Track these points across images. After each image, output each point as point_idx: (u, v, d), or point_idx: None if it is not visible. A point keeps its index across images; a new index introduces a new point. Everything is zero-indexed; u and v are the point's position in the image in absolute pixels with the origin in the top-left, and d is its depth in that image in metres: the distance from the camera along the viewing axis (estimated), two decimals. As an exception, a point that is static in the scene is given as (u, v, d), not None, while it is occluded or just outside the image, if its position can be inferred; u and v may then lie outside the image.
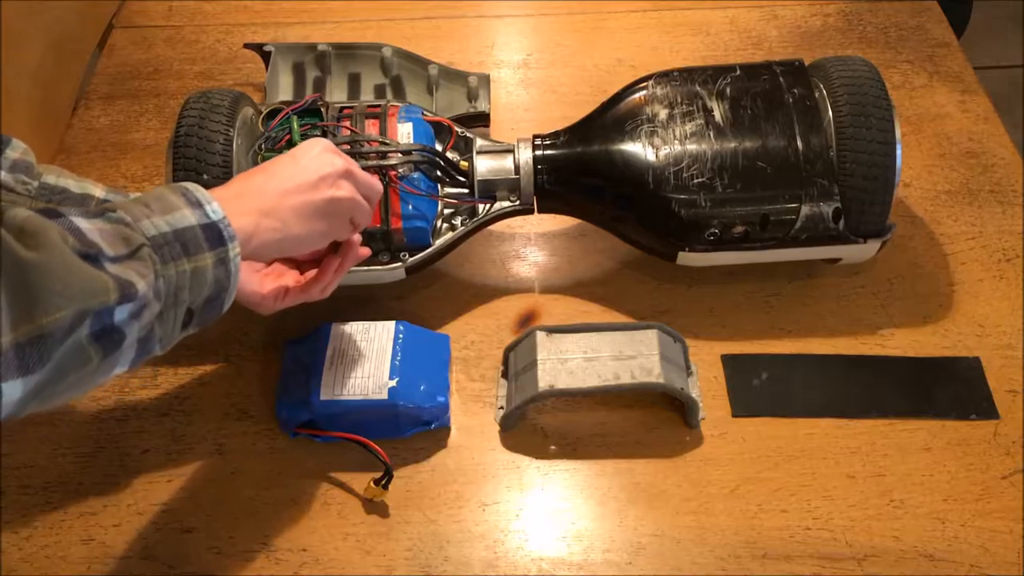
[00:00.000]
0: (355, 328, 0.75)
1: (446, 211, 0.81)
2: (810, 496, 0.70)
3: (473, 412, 0.76)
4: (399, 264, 0.77)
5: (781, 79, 0.77)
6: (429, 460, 0.73)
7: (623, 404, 0.75)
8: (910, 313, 0.80)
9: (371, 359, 0.72)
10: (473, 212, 0.80)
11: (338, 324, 0.75)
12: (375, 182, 0.68)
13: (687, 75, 0.79)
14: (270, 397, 0.76)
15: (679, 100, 0.77)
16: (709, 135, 0.75)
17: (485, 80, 0.98)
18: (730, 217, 0.74)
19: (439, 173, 0.78)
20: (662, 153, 0.75)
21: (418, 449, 0.73)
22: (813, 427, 0.74)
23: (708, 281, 0.83)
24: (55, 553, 0.69)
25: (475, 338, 0.80)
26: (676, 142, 0.75)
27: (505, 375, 0.77)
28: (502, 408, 0.75)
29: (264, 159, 0.73)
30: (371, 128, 0.77)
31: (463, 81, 0.97)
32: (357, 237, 0.71)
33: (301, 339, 0.76)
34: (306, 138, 0.73)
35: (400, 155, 0.75)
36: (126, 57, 1.08)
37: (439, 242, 0.78)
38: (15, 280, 0.43)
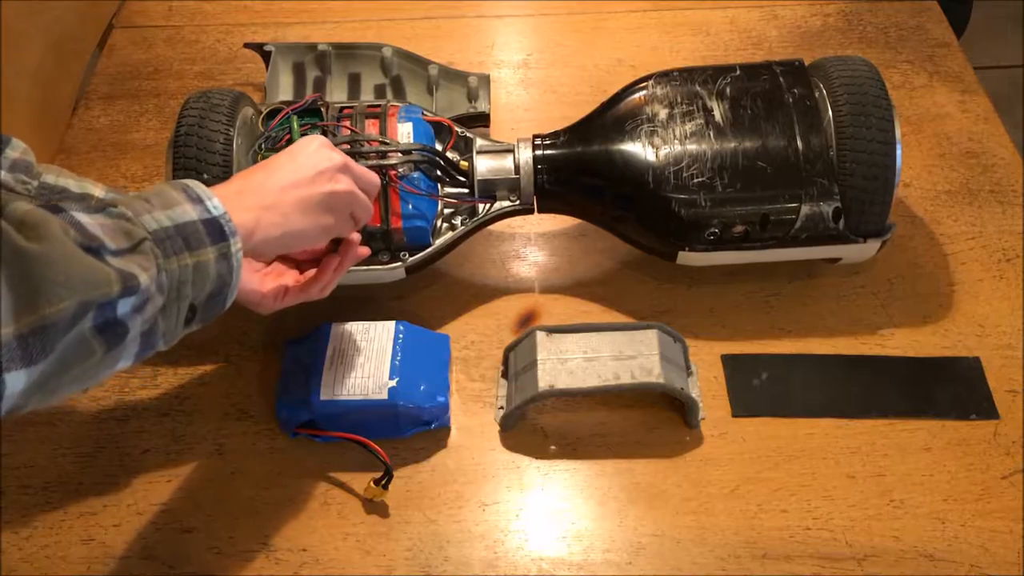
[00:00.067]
0: (355, 328, 0.75)
1: (446, 211, 0.81)
2: (810, 496, 0.70)
3: (473, 412, 0.76)
4: (399, 264, 0.77)
5: (781, 79, 0.77)
6: (429, 460, 0.73)
7: (623, 404, 0.75)
8: (910, 313, 0.80)
9: (371, 359, 0.72)
10: (473, 212, 0.80)
11: (338, 324, 0.75)
12: (372, 176, 0.69)
13: (687, 75, 0.79)
14: (270, 397, 0.76)
15: (679, 100, 0.77)
16: (709, 135, 0.75)
17: (485, 80, 0.98)
18: (730, 217, 0.74)
19: (439, 173, 0.78)
20: (662, 153, 0.75)
21: (418, 449, 0.73)
22: (813, 427, 0.74)
23: (708, 281, 0.83)
24: (55, 553, 0.69)
25: (475, 338, 0.80)
26: (676, 142, 0.75)
27: (505, 375, 0.77)
28: (502, 408, 0.75)
29: (264, 159, 0.73)
30: (371, 128, 0.77)
31: (463, 81, 0.97)
32: (356, 236, 0.71)
33: (301, 339, 0.76)
34: (306, 138, 0.73)
35: (400, 155, 0.75)
36: (126, 57, 1.08)
37: (439, 242, 0.78)
38: (17, 271, 0.43)
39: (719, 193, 0.74)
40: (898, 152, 0.73)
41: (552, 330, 0.75)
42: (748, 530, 0.68)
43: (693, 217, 0.74)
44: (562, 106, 0.99)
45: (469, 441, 0.74)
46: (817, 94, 0.77)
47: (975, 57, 1.06)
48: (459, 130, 0.81)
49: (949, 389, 0.75)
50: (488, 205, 0.79)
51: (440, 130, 0.81)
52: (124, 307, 0.48)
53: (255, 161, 0.74)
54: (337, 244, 0.71)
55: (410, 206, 0.76)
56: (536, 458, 0.73)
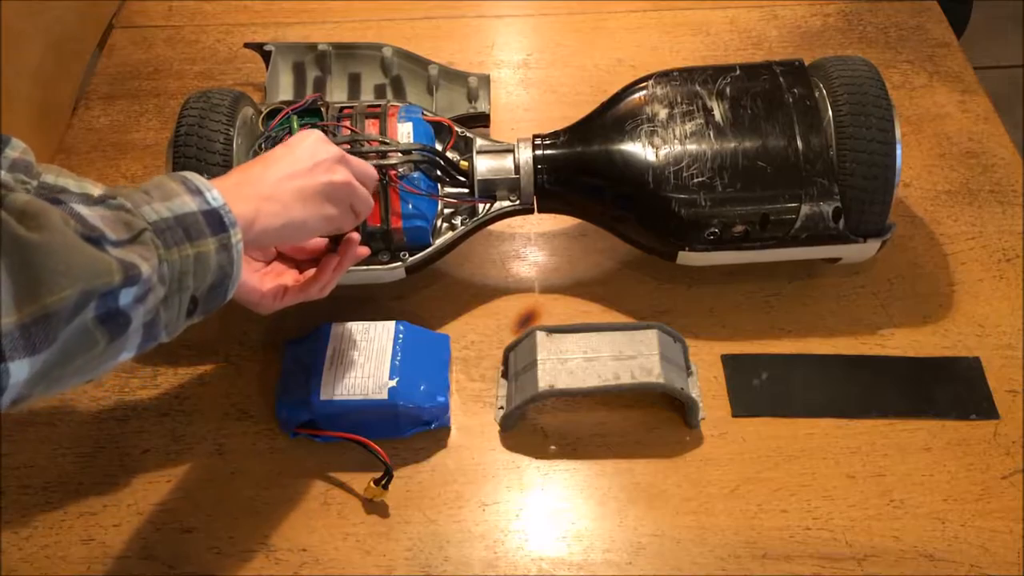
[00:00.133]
0: (355, 328, 0.75)
1: (446, 211, 0.81)
2: (810, 496, 0.70)
3: (473, 412, 0.76)
4: (399, 264, 0.77)
5: (781, 79, 0.77)
6: (429, 460, 0.73)
7: (623, 404, 0.75)
8: (910, 313, 0.80)
9: (371, 359, 0.72)
10: (473, 212, 0.80)
11: (338, 324, 0.75)
12: (370, 168, 0.69)
13: (687, 75, 0.79)
14: (270, 397, 0.76)
15: (679, 100, 0.77)
16: (709, 135, 0.75)
17: (485, 80, 0.98)
18: (730, 216, 0.74)
19: (439, 173, 0.78)
20: (662, 153, 0.75)
21: (418, 449, 0.73)
22: (813, 427, 0.74)
23: (708, 281, 0.83)
24: (55, 553, 0.69)
25: (475, 338, 0.80)
26: (676, 142, 0.75)
27: (505, 375, 0.77)
28: (502, 408, 0.75)
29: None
30: (371, 128, 0.77)
31: (463, 81, 0.97)
32: (356, 236, 0.71)
33: (301, 339, 0.76)
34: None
35: (400, 155, 0.75)
36: (126, 57, 1.08)
37: (439, 242, 0.78)
38: (18, 261, 0.43)
39: (719, 193, 0.74)
40: (898, 152, 0.73)
41: (552, 330, 0.74)
42: (748, 530, 0.68)
43: (693, 217, 0.74)
44: (562, 106, 0.99)
45: (469, 441, 0.74)
46: (817, 94, 0.77)
47: (975, 57, 1.06)
48: (459, 130, 0.81)
49: (949, 389, 0.75)
50: (488, 205, 0.79)
51: (440, 130, 0.81)
52: (126, 297, 0.48)
53: (255, 161, 0.74)
54: (336, 244, 0.71)
55: (410, 206, 0.76)
56: (536, 458, 0.73)
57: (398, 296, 0.83)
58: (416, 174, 0.76)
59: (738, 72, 0.78)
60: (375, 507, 0.71)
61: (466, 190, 0.80)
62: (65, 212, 0.47)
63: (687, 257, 0.77)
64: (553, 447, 0.73)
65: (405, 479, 0.72)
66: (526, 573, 0.67)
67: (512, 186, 0.79)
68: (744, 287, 0.82)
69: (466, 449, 0.74)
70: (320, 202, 0.63)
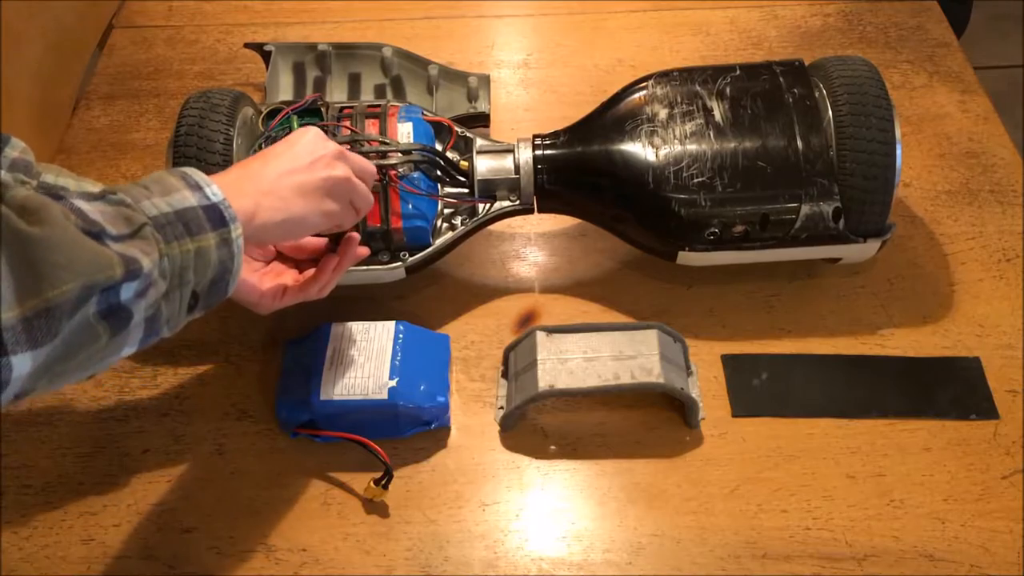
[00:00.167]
0: (355, 328, 0.75)
1: (446, 211, 0.81)
2: (810, 496, 0.70)
3: (473, 412, 0.76)
4: (399, 264, 0.77)
5: (781, 79, 0.77)
6: (429, 460, 0.73)
7: (623, 404, 0.75)
8: (910, 313, 0.80)
9: (371, 359, 0.72)
10: (473, 212, 0.80)
11: (338, 324, 0.75)
12: (368, 164, 0.69)
13: (687, 75, 0.79)
14: (270, 397, 0.76)
15: (679, 100, 0.77)
16: (709, 135, 0.75)
17: (485, 80, 0.98)
18: (730, 217, 0.74)
19: (439, 173, 0.78)
20: (662, 153, 0.75)
21: (418, 449, 0.73)
22: (813, 427, 0.74)
23: (708, 281, 0.83)
24: (55, 553, 0.69)
25: (475, 338, 0.80)
26: (676, 142, 0.75)
27: (505, 375, 0.77)
28: (502, 408, 0.75)
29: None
30: (371, 128, 0.77)
31: (463, 81, 0.97)
32: (356, 236, 0.71)
33: (301, 339, 0.76)
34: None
35: (400, 155, 0.75)
36: (126, 57, 1.08)
37: (439, 242, 0.78)
38: (19, 255, 0.43)
39: (719, 193, 0.74)
40: (898, 152, 0.73)
41: (552, 330, 0.75)
42: (748, 530, 0.68)
43: (693, 217, 0.74)
44: (562, 106, 0.99)
45: (469, 441, 0.74)
46: (817, 94, 0.77)
47: (975, 57, 1.06)
48: (459, 130, 0.81)
49: (949, 389, 0.75)
50: (488, 205, 0.79)
51: (440, 130, 0.81)
52: (127, 292, 0.48)
53: (255, 161, 0.74)
54: (336, 244, 0.71)
55: (410, 206, 0.76)
56: (536, 458, 0.73)
57: (398, 296, 0.83)
58: (416, 174, 0.76)
59: (738, 72, 0.78)
60: (375, 507, 0.71)
61: (466, 190, 0.80)
62: (65, 207, 0.47)
63: (687, 257, 0.77)
64: (553, 447, 0.73)
65: (405, 479, 0.72)
66: (526, 573, 0.67)
67: (512, 186, 0.79)
68: (744, 287, 0.82)
69: (466, 449, 0.74)
70: (320, 197, 0.63)
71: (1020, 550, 0.67)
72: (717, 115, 0.76)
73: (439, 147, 0.80)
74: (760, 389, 0.76)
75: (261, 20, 1.11)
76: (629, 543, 0.68)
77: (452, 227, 0.80)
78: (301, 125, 0.76)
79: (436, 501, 0.71)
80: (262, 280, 0.70)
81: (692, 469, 0.72)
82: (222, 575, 0.68)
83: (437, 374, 0.75)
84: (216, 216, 0.54)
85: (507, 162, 0.79)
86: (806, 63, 0.80)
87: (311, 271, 0.71)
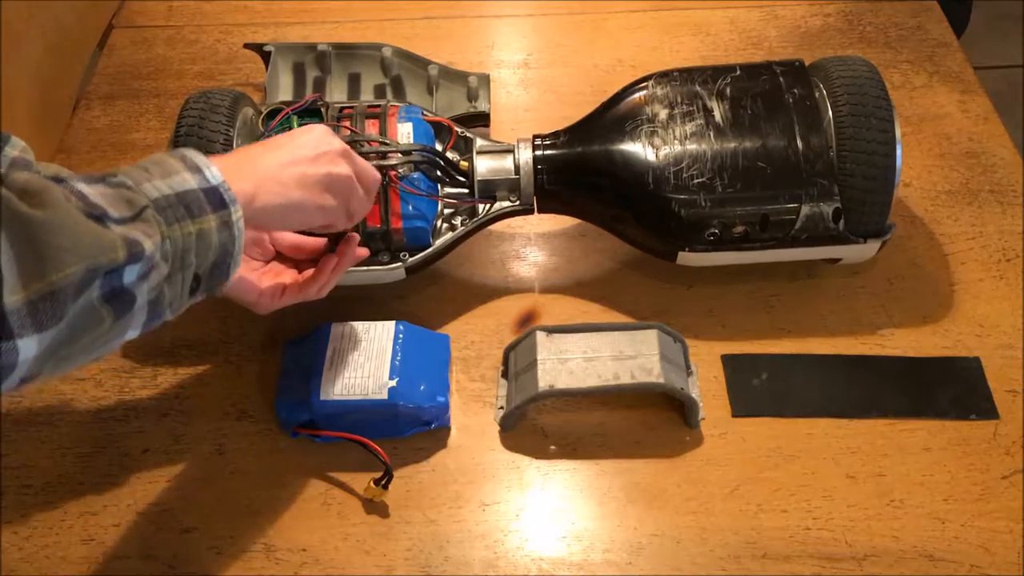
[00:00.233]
0: (355, 328, 0.75)
1: (446, 211, 0.81)
2: (810, 496, 0.70)
3: (473, 412, 0.76)
4: (399, 264, 0.77)
5: (781, 79, 0.77)
6: (429, 460, 0.73)
7: (623, 404, 0.75)
8: (910, 313, 0.80)
9: (371, 359, 0.72)
10: (473, 212, 0.80)
11: (338, 324, 0.75)
12: (373, 171, 0.68)
13: (687, 75, 0.79)
14: (270, 397, 0.76)
15: (679, 100, 0.77)
16: (709, 135, 0.75)
17: (485, 80, 0.98)
18: (730, 217, 0.74)
19: (439, 173, 0.78)
20: (662, 153, 0.75)
21: (418, 449, 0.73)
22: (813, 427, 0.74)
23: (708, 281, 0.83)
24: (55, 553, 0.69)
25: (475, 338, 0.80)
26: (676, 142, 0.75)
27: (505, 375, 0.77)
28: (502, 408, 0.75)
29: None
30: (371, 128, 0.77)
31: (463, 81, 0.97)
32: (355, 236, 0.71)
33: (301, 339, 0.76)
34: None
35: (400, 155, 0.75)
36: (126, 57, 1.08)
37: (439, 242, 0.78)
38: (22, 238, 0.43)
39: (719, 193, 0.74)
40: (898, 152, 0.73)
41: (552, 330, 0.75)
42: (748, 530, 0.68)
43: (693, 217, 0.74)
44: (562, 106, 0.99)
45: (469, 441, 0.74)
46: (817, 94, 0.77)
47: (975, 57, 1.06)
48: (459, 130, 0.81)
49: (949, 389, 0.75)
50: (488, 205, 0.79)
51: (440, 130, 0.81)
52: (130, 275, 0.48)
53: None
54: (335, 244, 0.71)
55: (410, 206, 0.76)
56: (536, 458, 0.73)
57: (398, 296, 0.83)
58: (416, 174, 0.76)
59: (738, 72, 0.78)
60: (375, 507, 0.71)
61: (466, 190, 0.80)
62: (66, 190, 0.47)
63: (687, 258, 0.77)
64: (553, 447, 0.73)
65: (405, 479, 0.72)
66: (526, 573, 0.67)
67: (512, 186, 0.79)
68: (744, 287, 0.82)
69: (466, 449, 0.74)
70: (320, 191, 0.63)
71: (1020, 550, 0.67)
72: (717, 115, 0.76)
73: (439, 147, 0.80)
74: (760, 389, 0.76)
75: (261, 20, 1.11)
76: (629, 543, 0.68)
77: (452, 227, 0.80)
78: (301, 125, 0.76)
79: (436, 501, 0.71)
80: (261, 279, 0.70)
81: (692, 469, 0.72)
82: (222, 575, 0.68)
83: (437, 374, 0.75)
84: (216, 198, 0.54)
85: (507, 162, 0.79)
86: (806, 63, 0.80)
87: (310, 271, 0.71)
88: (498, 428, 0.74)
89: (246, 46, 1.00)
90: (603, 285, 0.84)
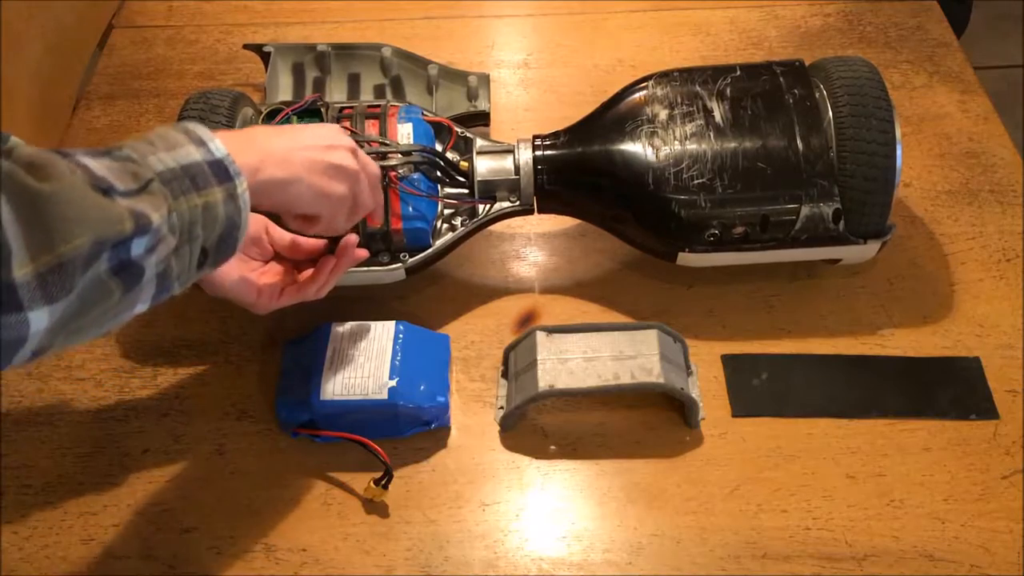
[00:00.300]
0: (355, 328, 0.75)
1: (446, 212, 0.81)
2: (810, 496, 0.70)
3: (473, 412, 0.76)
4: (399, 265, 0.77)
5: (781, 79, 0.77)
6: (429, 460, 0.73)
7: (623, 404, 0.75)
8: (910, 313, 0.80)
9: (371, 359, 0.72)
10: (473, 212, 0.80)
11: (338, 324, 0.75)
12: (375, 167, 0.68)
13: (687, 75, 0.79)
14: (270, 397, 0.76)
15: (679, 100, 0.77)
16: (709, 135, 0.75)
17: (485, 79, 0.98)
18: (730, 218, 0.74)
19: (439, 174, 0.78)
20: (662, 153, 0.75)
21: (418, 449, 0.73)
22: (813, 427, 0.74)
23: (708, 281, 0.83)
24: (55, 553, 0.69)
25: (475, 338, 0.80)
26: (676, 142, 0.75)
27: (505, 375, 0.77)
28: (502, 408, 0.75)
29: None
30: (371, 128, 0.77)
31: (463, 80, 0.97)
32: (354, 237, 0.71)
33: (301, 339, 0.76)
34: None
35: (400, 156, 0.75)
36: (126, 57, 1.08)
37: (439, 243, 0.78)
38: (29, 211, 0.43)
39: (719, 194, 0.74)
40: (898, 152, 0.73)
41: (552, 330, 0.75)
42: (748, 530, 0.68)
43: (693, 218, 0.74)
44: (562, 106, 0.99)
45: (469, 441, 0.74)
46: (817, 94, 0.77)
47: (975, 57, 1.06)
48: (459, 130, 0.81)
49: (949, 389, 0.75)
50: (488, 206, 0.79)
51: (440, 130, 0.81)
52: (138, 248, 0.48)
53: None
54: (334, 245, 0.71)
55: (410, 207, 0.76)
56: (536, 458, 0.73)
57: (398, 296, 0.83)
58: (416, 175, 0.76)
59: (738, 72, 0.78)
60: (375, 507, 0.71)
61: (466, 191, 0.80)
62: (72, 163, 0.47)
63: (687, 258, 0.77)
64: (553, 447, 0.73)
65: (405, 479, 0.72)
66: (526, 573, 0.67)
67: (512, 187, 0.79)
68: (744, 287, 0.82)
69: (466, 449, 0.74)
70: (327, 178, 0.62)
71: (1020, 550, 0.67)
72: (717, 116, 0.76)
73: (439, 147, 0.80)
74: (760, 389, 0.76)
75: (261, 20, 1.11)
76: (629, 543, 0.68)
77: (452, 228, 0.80)
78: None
79: (436, 501, 0.71)
80: (260, 279, 0.70)
81: (692, 469, 0.72)
82: (222, 575, 0.68)
83: (437, 374, 0.75)
84: (221, 171, 0.53)
85: (507, 163, 0.79)
86: (806, 63, 0.80)
87: (309, 271, 0.71)
88: (498, 428, 0.74)
89: (246, 47, 1.00)
90: (603, 285, 0.84)
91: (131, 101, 1.02)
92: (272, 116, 0.77)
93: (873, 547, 0.67)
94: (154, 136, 0.53)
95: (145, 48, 1.08)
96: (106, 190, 0.47)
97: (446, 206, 0.80)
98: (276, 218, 0.72)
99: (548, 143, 0.79)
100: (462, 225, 0.80)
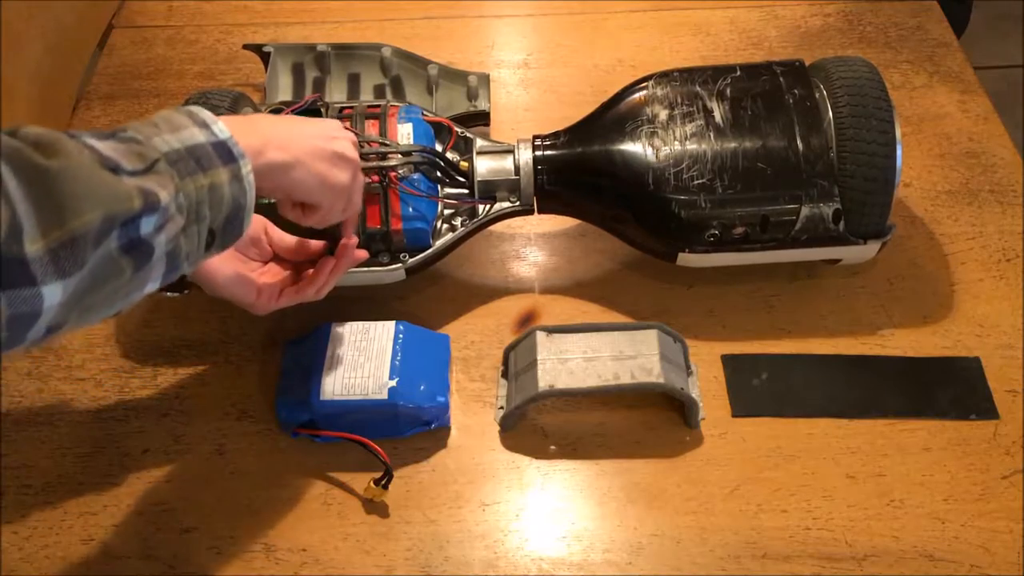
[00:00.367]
0: (355, 328, 0.75)
1: (446, 212, 0.81)
2: (810, 496, 0.70)
3: (473, 412, 0.76)
4: (399, 265, 0.77)
5: (781, 79, 0.77)
6: (429, 460, 0.73)
7: (623, 404, 0.75)
8: (910, 313, 0.80)
9: (371, 359, 0.72)
10: (473, 213, 0.80)
11: (338, 324, 0.75)
12: (362, 177, 0.69)
13: (687, 75, 0.79)
14: (270, 397, 0.76)
15: (679, 100, 0.77)
16: (709, 136, 0.75)
17: (485, 79, 0.98)
18: (730, 218, 0.74)
19: (439, 174, 0.78)
20: (662, 154, 0.75)
21: (418, 449, 0.73)
22: (813, 427, 0.74)
23: (708, 281, 0.83)
24: (55, 553, 0.69)
25: (475, 338, 0.80)
26: (676, 143, 0.75)
27: (505, 375, 0.77)
28: (502, 408, 0.75)
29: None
30: (371, 129, 0.77)
31: (463, 80, 0.97)
32: (354, 239, 0.71)
33: (301, 339, 0.76)
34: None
35: (400, 156, 0.75)
36: (126, 57, 1.08)
37: (439, 243, 0.78)
38: (39, 188, 0.43)
39: (719, 194, 0.74)
40: (898, 152, 0.73)
41: (552, 330, 0.75)
42: (748, 530, 0.68)
43: (693, 218, 0.74)
44: (562, 106, 0.99)
45: (469, 441, 0.74)
46: (817, 95, 0.77)
47: (975, 57, 1.06)
48: (459, 130, 0.81)
49: (949, 389, 0.75)
50: (488, 206, 0.79)
51: (440, 130, 0.81)
52: (147, 226, 0.48)
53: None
54: (334, 246, 0.71)
55: (410, 208, 0.76)
56: (536, 458, 0.73)
57: (398, 296, 0.83)
58: (416, 175, 0.76)
59: (738, 72, 0.78)
60: (375, 507, 0.71)
61: (466, 191, 0.80)
62: (79, 143, 0.47)
63: (687, 258, 0.77)
64: (553, 447, 0.74)
65: (405, 479, 0.72)
66: (526, 573, 0.67)
67: (512, 187, 0.79)
68: (744, 287, 0.82)
69: (466, 449, 0.74)
70: (328, 164, 0.63)
71: (1020, 550, 0.67)
72: (717, 116, 0.76)
73: (439, 148, 0.80)
74: (760, 389, 0.76)
75: (261, 20, 1.11)
76: (629, 543, 0.68)
77: (452, 228, 0.80)
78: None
79: (436, 501, 0.71)
80: (259, 280, 0.70)
81: (692, 469, 0.72)
82: (222, 575, 0.68)
83: (437, 374, 0.75)
84: (225, 152, 0.54)
85: (507, 163, 0.79)
86: (806, 63, 0.80)
87: (309, 272, 0.71)
88: (498, 428, 0.74)
89: (245, 47, 1.00)
90: (603, 285, 0.84)
91: (131, 101, 1.02)
92: (272, 116, 0.77)
93: (873, 547, 0.67)
94: (158, 119, 0.53)
95: (145, 48, 1.08)
96: (114, 169, 0.48)
97: (446, 206, 0.80)
98: (273, 216, 0.72)
99: (548, 143, 0.79)
100: (462, 225, 0.80)
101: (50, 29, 1.02)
